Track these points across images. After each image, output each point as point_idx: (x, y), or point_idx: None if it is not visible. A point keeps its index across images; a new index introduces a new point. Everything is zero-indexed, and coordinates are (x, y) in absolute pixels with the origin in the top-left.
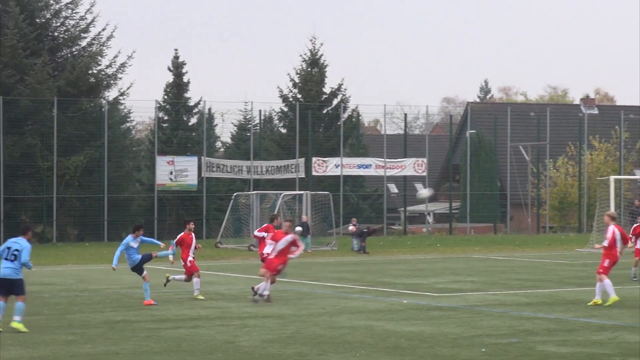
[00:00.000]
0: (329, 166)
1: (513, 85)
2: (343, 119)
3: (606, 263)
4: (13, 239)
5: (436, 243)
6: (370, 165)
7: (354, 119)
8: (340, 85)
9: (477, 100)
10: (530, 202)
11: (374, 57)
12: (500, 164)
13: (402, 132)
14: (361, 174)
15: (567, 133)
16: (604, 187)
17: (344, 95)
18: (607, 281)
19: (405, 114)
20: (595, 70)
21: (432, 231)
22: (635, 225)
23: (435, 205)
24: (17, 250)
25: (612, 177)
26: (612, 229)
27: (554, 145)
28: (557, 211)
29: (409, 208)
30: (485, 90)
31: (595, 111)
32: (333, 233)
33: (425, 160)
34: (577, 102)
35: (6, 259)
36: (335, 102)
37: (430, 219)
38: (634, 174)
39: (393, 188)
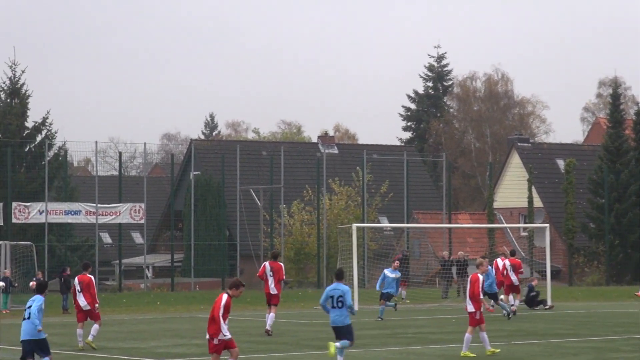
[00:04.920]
0: (31, 212)
1: (242, 120)
2: (48, 158)
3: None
4: None
5: (156, 301)
6: (80, 211)
7: (60, 158)
8: (45, 118)
9: (202, 137)
10: (262, 254)
11: (84, 86)
12: (229, 209)
13: (116, 173)
14: (69, 221)
15: (304, 175)
16: (345, 236)
17: (49, 130)
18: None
19: (120, 153)
20: (334, 104)
21: (151, 287)
22: None
23: (154, 258)
24: None
25: (355, 225)
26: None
27: (289, 188)
28: (293, 263)
29: (125, 260)
30: (211, 125)
31: (335, 150)
32: None
33: (143, 205)
34: (314, 139)
35: None
36: (39, 138)
37: (149, 273)
38: (378, 222)
39: (106, 237)
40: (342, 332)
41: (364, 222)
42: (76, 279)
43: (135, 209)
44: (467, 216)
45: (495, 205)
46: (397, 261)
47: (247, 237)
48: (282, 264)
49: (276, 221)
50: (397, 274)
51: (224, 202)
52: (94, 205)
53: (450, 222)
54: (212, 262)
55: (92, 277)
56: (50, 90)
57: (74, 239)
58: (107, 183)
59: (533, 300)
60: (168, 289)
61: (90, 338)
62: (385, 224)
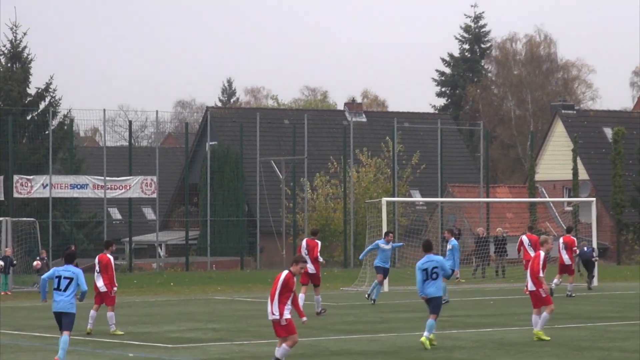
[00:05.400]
0: (34, 186)
1: (263, 86)
2: (52, 127)
3: None
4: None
5: (169, 281)
6: (87, 184)
7: (65, 127)
8: (48, 84)
9: (219, 104)
10: (284, 231)
11: (91, 50)
12: (248, 182)
13: (126, 143)
14: (75, 195)
15: (329, 145)
16: (374, 212)
17: (53, 97)
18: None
19: (130, 122)
20: (361, 69)
21: (164, 267)
22: None
23: (167, 235)
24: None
25: (384, 200)
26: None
27: (313, 160)
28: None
29: (136, 238)
30: (228, 92)
31: (363, 118)
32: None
33: (155, 178)
34: (340, 107)
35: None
36: (42, 105)
37: (162, 251)
38: (410, 195)
39: (115, 213)
40: (433, 303)
41: (394, 196)
42: (97, 258)
43: (147, 182)
44: (506, 189)
45: (537, 177)
46: (390, 234)
47: (267, 213)
48: (318, 242)
49: (299, 195)
50: (391, 245)
51: (242, 175)
52: (102, 178)
53: (487, 196)
54: (230, 239)
55: (111, 257)
56: (54, 53)
57: (81, 214)
58: (116, 154)
59: (592, 265)
60: (182, 269)
61: (112, 328)
62: (417, 198)
